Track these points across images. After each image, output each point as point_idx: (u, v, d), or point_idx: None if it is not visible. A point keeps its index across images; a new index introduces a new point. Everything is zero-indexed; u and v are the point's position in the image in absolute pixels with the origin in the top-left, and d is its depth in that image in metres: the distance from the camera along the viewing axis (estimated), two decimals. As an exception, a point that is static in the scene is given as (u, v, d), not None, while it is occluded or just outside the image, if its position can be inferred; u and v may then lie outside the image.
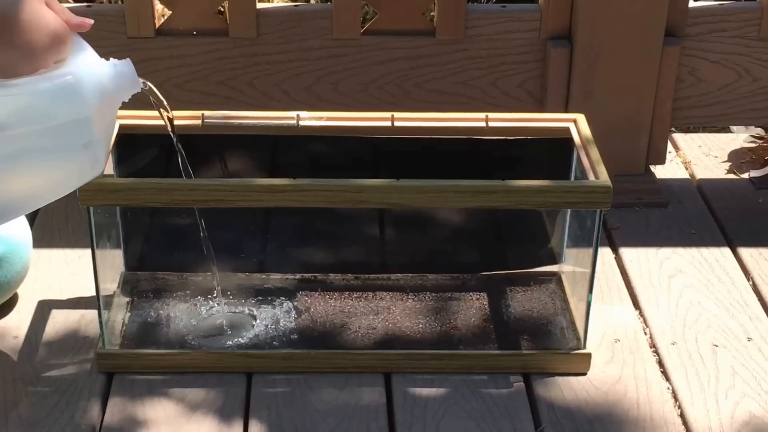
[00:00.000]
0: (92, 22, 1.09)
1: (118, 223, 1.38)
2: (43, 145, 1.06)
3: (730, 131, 1.99)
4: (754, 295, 1.47)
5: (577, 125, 1.35)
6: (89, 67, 1.09)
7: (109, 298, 1.34)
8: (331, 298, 1.40)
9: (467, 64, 1.65)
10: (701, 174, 1.75)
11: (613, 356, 1.35)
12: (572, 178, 1.36)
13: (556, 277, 1.44)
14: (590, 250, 1.27)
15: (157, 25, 1.61)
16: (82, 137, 1.08)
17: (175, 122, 1.25)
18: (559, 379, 1.31)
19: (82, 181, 1.14)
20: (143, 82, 1.16)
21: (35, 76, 1.04)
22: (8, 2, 0.98)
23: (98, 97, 1.09)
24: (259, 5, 1.60)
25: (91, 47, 1.11)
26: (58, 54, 1.04)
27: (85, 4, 1.63)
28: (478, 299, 1.40)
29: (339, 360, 1.31)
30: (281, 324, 1.35)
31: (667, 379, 1.32)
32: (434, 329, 1.36)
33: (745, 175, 1.75)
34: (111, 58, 1.14)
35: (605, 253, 1.54)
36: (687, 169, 1.77)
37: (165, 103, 1.22)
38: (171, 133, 1.24)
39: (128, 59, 1.14)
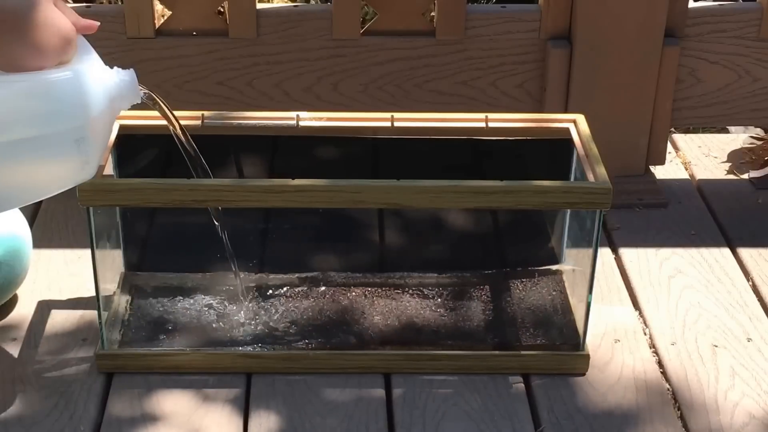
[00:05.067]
0: (98, 24, 1.10)
1: (117, 224, 1.38)
2: (35, 138, 1.06)
3: (729, 132, 1.99)
4: (753, 296, 1.47)
5: (577, 126, 1.35)
6: (92, 70, 1.09)
7: (109, 299, 1.34)
8: (331, 298, 1.40)
9: (467, 64, 1.65)
10: (701, 174, 1.75)
11: (612, 357, 1.35)
12: (572, 179, 1.36)
13: (555, 277, 1.44)
14: (590, 251, 1.27)
15: (156, 26, 1.61)
16: (75, 133, 1.08)
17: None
18: (559, 380, 1.31)
19: (72, 182, 1.15)
20: (146, 93, 1.17)
21: (37, 73, 1.05)
22: (21, 0, 1.01)
23: (96, 99, 1.10)
24: (259, 5, 1.60)
25: (96, 52, 1.12)
26: (64, 54, 1.06)
27: (85, 4, 1.63)
28: (477, 299, 1.40)
29: (339, 360, 1.31)
30: (281, 324, 1.35)
31: (667, 379, 1.32)
32: (434, 329, 1.36)
33: (745, 176, 1.75)
34: (115, 67, 1.15)
35: (605, 254, 1.55)
36: (687, 169, 1.77)
37: (171, 115, 1.22)
38: (181, 140, 1.24)
39: (131, 69, 1.15)
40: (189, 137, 1.25)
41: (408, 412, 1.26)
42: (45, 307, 1.40)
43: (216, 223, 1.30)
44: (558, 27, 1.63)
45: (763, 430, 1.25)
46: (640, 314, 1.43)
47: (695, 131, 2.00)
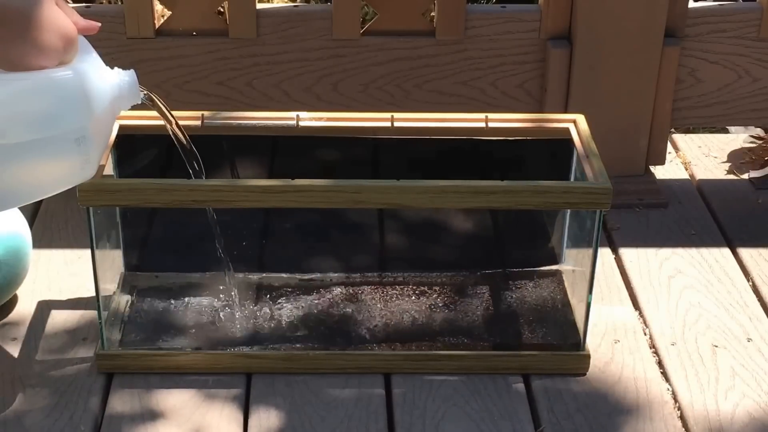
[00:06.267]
0: (99, 25, 1.10)
1: (117, 224, 1.38)
2: (35, 138, 1.07)
3: (729, 132, 1.99)
4: (754, 296, 1.47)
5: (577, 126, 1.35)
6: (92, 70, 1.10)
7: (109, 299, 1.34)
8: (331, 298, 1.40)
9: (467, 64, 1.65)
10: (701, 174, 1.75)
11: (612, 357, 1.35)
12: (572, 179, 1.36)
13: (555, 277, 1.44)
14: (590, 251, 1.27)
15: (156, 26, 1.61)
16: (76, 133, 1.09)
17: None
18: (559, 380, 1.31)
19: (72, 181, 1.15)
20: (146, 94, 1.17)
21: (38, 72, 1.05)
22: (23, 0, 1.01)
23: (97, 99, 1.10)
24: (259, 5, 1.61)
25: (96, 52, 1.12)
26: (65, 53, 1.06)
27: (85, 4, 1.64)
28: (477, 299, 1.40)
29: (339, 360, 1.31)
30: (281, 324, 1.35)
31: (667, 379, 1.32)
32: (434, 329, 1.36)
33: (745, 176, 1.75)
34: (116, 67, 1.15)
35: (605, 254, 1.55)
36: (687, 169, 1.77)
37: (170, 115, 1.23)
38: (179, 143, 1.24)
39: (132, 70, 1.15)
40: (188, 138, 1.25)
41: (408, 412, 1.26)
42: (45, 307, 1.40)
43: (213, 223, 1.30)
44: (558, 27, 1.63)
45: (763, 431, 1.25)
46: (640, 314, 1.43)
47: (695, 131, 2.00)
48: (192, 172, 1.26)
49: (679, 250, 1.55)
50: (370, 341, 1.34)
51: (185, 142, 1.25)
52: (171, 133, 1.24)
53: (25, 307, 1.40)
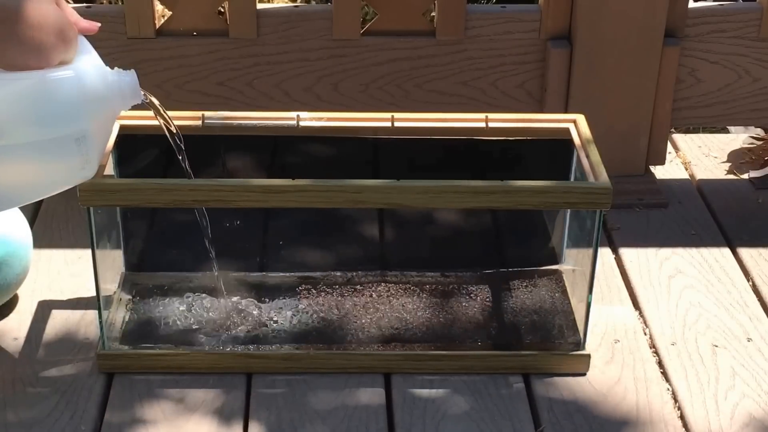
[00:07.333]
0: (99, 25, 1.11)
1: (118, 224, 1.38)
2: (35, 138, 1.07)
3: (729, 132, 1.99)
4: (754, 296, 1.47)
5: (577, 126, 1.35)
6: (93, 70, 1.10)
7: (109, 299, 1.34)
8: (331, 298, 1.40)
9: (467, 64, 1.65)
10: (701, 174, 1.75)
11: (612, 357, 1.35)
12: (572, 179, 1.36)
13: (555, 277, 1.44)
14: (590, 251, 1.27)
15: (157, 26, 1.61)
16: (76, 133, 1.09)
17: (175, 123, 1.25)
18: (559, 380, 1.31)
19: (72, 181, 1.15)
20: (144, 95, 1.17)
21: (38, 72, 1.05)
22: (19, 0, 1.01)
23: (97, 99, 1.10)
24: (259, 6, 1.61)
25: (96, 52, 1.12)
26: (64, 53, 1.06)
27: (85, 4, 1.64)
28: (477, 299, 1.40)
29: (339, 360, 1.31)
30: (281, 324, 1.35)
31: (667, 379, 1.32)
32: (434, 329, 1.36)
33: (745, 176, 1.75)
34: (116, 67, 1.15)
35: (605, 254, 1.55)
36: (687, 169, 1.77)
37: (168, 117, 1.23)
38: (174, 145, 1.24)
39: (133, 70, 1.15)
40: (182, 140, 1.25)
41: (408, 412, 1.26)
42: (45, 307, 1.40)
43: (201, 222, 1.30)
44: (558, 27, 1.63)
45: (763, 431, 1.25)
46: (640, 314, 1.43)
47: (695, 131, 2.00)
48: (186, 170, 1.25)
49: (679, 250, 1.55)
50: (370, 341, 1.34)
51: (179, 144, 1.24)
52: (168, 135, 1.24)
53: (25, 307, 1.40)
